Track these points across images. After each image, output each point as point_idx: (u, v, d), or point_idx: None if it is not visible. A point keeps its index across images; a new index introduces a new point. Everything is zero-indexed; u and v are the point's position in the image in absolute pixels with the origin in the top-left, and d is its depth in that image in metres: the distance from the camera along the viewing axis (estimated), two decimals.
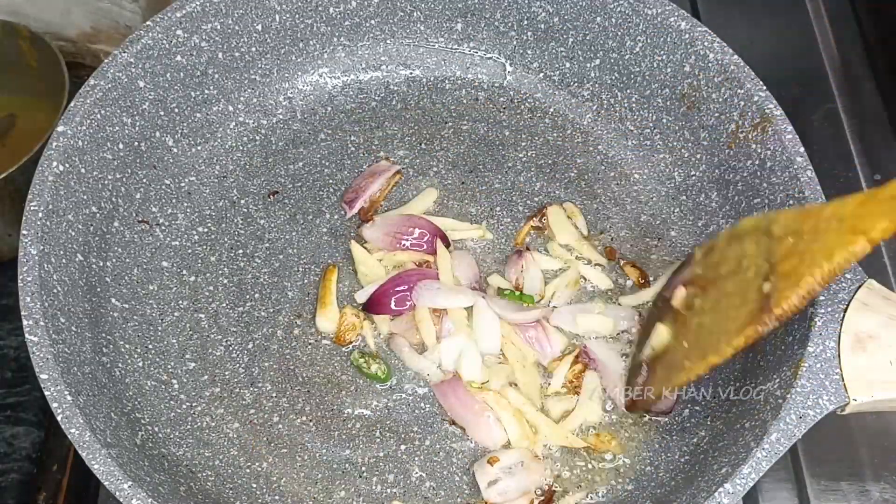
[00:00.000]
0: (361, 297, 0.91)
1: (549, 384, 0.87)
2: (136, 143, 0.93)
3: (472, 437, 0.84)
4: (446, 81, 1.05)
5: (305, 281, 0.93)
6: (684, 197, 0.97)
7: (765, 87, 0.88)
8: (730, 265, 0.73)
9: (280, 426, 0.85)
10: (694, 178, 0.96)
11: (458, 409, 0.85)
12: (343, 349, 0.89)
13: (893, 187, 0.62)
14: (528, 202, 0.98)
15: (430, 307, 0.89)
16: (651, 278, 0.92)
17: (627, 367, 0.85)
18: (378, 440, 0.85)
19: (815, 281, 0.64)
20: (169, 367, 0.88)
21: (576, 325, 0.89)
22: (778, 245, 0.68)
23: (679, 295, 0.76)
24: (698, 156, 0.95)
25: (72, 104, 0.86)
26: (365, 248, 0.94)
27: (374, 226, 0.94)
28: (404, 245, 0.92)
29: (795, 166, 0.84)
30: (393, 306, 0.89)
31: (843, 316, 0.77)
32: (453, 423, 0.85)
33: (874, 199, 0.63)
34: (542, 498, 0.81)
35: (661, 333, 0.77)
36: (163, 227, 0.95)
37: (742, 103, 0.89)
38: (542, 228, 0.96)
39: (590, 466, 0.83)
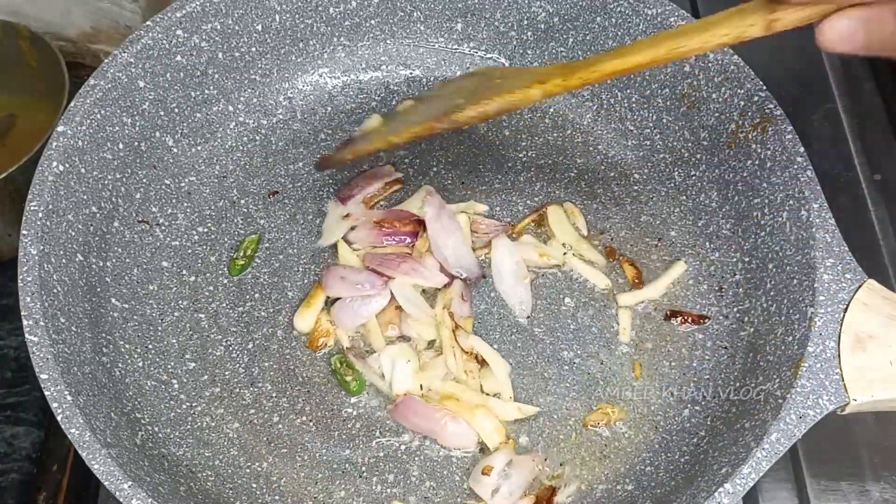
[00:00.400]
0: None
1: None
2: (136, 143, 0.93)
3: (447, 445, 0.83)
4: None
5: (305, 281, 0.93)
6: (684, 197, 0.97)
7: (765, 87, 0.88)
8: (449, 91, 0.85)
9: (280, 426, 0.85)
10: (694, 178, 0.96)
11: (423, 423, 0.84)
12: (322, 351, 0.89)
13: (587, 62, 0.74)
14: (528, 202, 0.98)
15: (354, 326, 0.88)
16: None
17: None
18: (378, 440, 0.85)
19: (490, 106, 0.76)
20: (169, 367, 0.88)
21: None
22: (488, 82, 0.81)
23: (405, 104, 0.88)
24: (698, 156, 0.95)
25: (72, 104, 0.86)
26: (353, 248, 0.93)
27: (360, 225, 0.93)
28: (389, 241, 0.92)
29: (795, 166, 0.84)
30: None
31: (843, 316, 0.77)
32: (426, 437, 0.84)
33: (568, 65, 0.77)
34: (544, 494, 0.81)
35: (374, 121, 0.89)
36: (163, 227, 0.95)
37: (742, 103, 0.89)
38: (542, 223, 0.96)
39: (587, 456, 0.83)
